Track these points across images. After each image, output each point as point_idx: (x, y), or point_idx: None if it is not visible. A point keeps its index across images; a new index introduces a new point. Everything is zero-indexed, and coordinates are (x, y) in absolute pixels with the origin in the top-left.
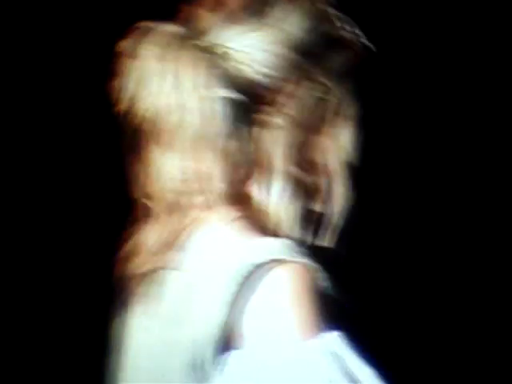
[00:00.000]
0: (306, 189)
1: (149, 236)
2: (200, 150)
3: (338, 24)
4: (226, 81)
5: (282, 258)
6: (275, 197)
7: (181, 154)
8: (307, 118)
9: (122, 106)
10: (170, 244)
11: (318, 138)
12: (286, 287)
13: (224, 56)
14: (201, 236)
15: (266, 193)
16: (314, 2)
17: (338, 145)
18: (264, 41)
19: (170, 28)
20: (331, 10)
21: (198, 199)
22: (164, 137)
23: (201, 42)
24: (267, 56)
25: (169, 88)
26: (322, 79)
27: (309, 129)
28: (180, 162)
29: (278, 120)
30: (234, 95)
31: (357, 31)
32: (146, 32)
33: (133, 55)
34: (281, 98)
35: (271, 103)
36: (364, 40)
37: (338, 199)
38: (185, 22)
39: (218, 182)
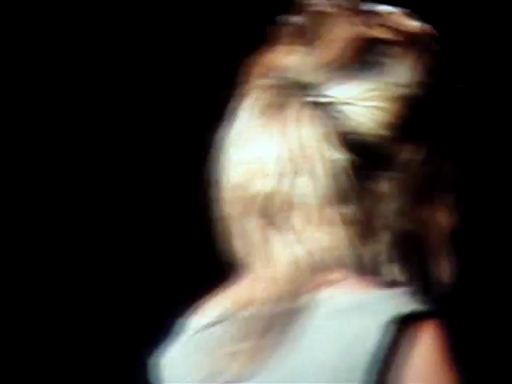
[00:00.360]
0: (410, 252)
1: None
2: (320, 222)
3: (450, 80)
4: (340, 140)
5: (420, 309)
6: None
7: (298, 231)
8: (417, 184)
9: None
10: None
11: (424, 203)
12: (437, 346)
13: (337, 112)
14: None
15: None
16: (428, 55)
17: (443, 212)
18: (380, 96)
19: (270, 81)
20: (444, 64)
21: (324, 277)
22: (273, 210)
23: (310, 97)
24: (384, 114)
25: (277, 150)
26: (433, 142)
27: (417, 195)
28: (298, 243)
29: (388, 184)
30: (349, 156)
31: (467, 86)
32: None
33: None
34: (395, 160)
35: (385, 165)
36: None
37: (441, 267)
38: (281, 68)
39: (348, 254)
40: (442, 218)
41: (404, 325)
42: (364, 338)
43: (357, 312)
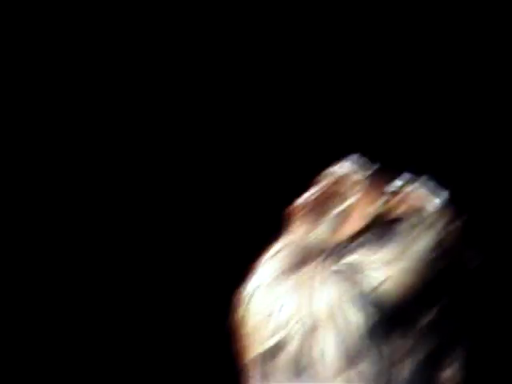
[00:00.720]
0: None
1: None
2: (337, 380)
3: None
4: (361, 300)
5: None
6: None
7: None
8: (431, 345)
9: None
10: None
11: (436, 364)
12: None
13: (359, 274)
14: None
15: None
16: (444, 227)
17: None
18: (401, 260)
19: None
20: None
21: None
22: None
23: (333, 260)
24: (404, 276)
25: (305, 312)
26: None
27: (430, 356)
28: None
29: (403, 345)
30: (369, 315)
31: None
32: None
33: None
34: (411, 323)
35: (402, 327)
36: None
37: None
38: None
39: None
40: (452, 379)
41: None
42: None
43: None
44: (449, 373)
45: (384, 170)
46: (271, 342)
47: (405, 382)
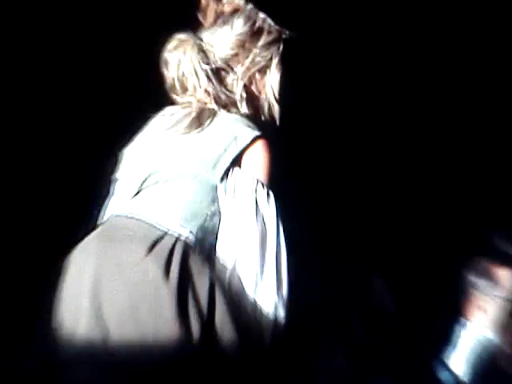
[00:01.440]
0: None
1: None
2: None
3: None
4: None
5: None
6: None
7: None
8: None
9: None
10: None
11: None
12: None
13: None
14: None
15: None
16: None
17: None
18: (224, 35)
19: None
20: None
21: None
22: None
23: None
24: (226, 43)
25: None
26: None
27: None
28: None
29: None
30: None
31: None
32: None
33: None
34: (238, 64)
35: (231, 67)
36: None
37: None
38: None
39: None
40: None
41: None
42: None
43: None
44: None
45: None
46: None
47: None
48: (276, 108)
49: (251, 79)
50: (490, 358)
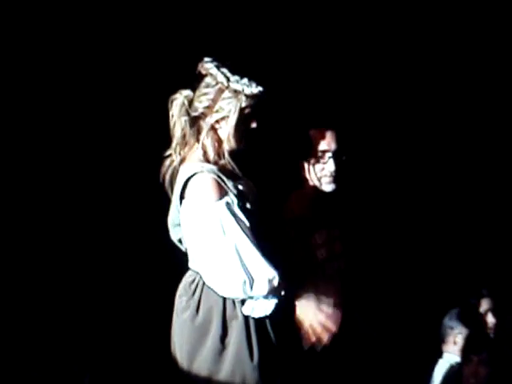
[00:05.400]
0: None
1: None
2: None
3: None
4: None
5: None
6: None
7: None
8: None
9: None
10: None
11: None
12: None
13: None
14: None
15: None
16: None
17: None
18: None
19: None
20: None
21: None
22: None
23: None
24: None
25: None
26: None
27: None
28: None
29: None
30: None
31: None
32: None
33: None
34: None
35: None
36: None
37: None
38: None
39: None
40: None
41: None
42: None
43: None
44: None
45: None
46: None
47: None
48: (233, 146)
49: (215, 127)
50: (457, 375)
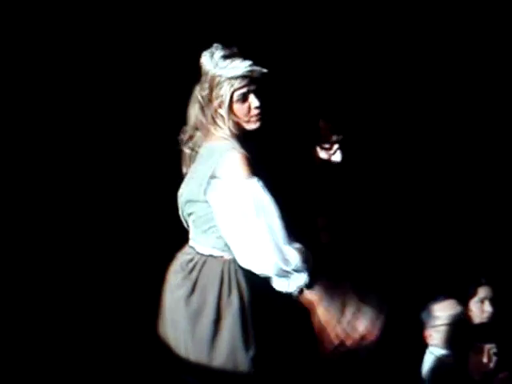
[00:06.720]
0: None
1: None
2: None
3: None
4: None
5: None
6: None
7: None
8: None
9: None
10: None
11: None
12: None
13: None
14: None
15: None
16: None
17: None
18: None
19: None
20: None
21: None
22: None
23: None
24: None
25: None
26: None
27: None
28: None
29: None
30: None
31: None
32: None
33: None
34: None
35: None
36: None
37: None
38: None
39: None
40: None
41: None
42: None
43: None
44: None
45: None
46: None
47: None
48: (237, 129)
49: (219, 112)
50: (444, 366)
